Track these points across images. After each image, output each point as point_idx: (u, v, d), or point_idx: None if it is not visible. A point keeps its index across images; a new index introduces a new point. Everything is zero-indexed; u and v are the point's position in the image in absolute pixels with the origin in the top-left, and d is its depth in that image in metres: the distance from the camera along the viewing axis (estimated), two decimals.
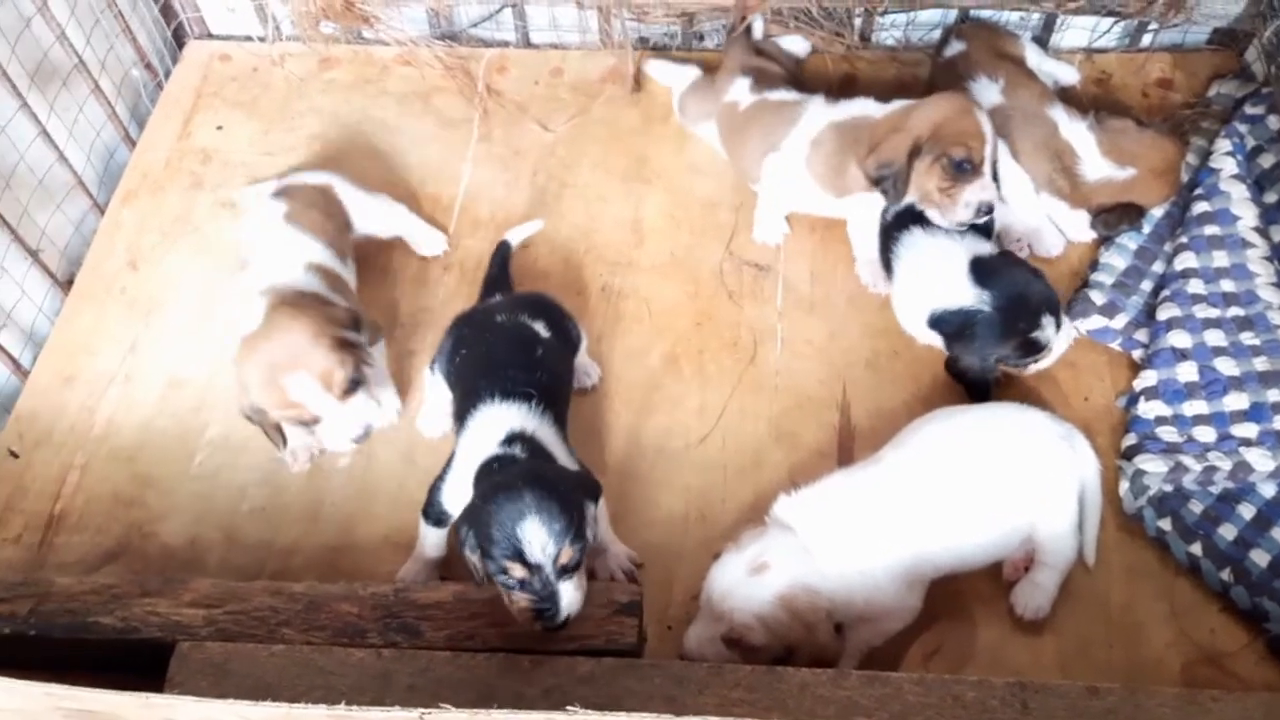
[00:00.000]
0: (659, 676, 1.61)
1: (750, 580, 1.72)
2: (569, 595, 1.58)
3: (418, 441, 2.12)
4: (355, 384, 1.85)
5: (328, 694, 1.58)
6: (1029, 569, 1.86)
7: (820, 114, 2.24)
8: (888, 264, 2.21)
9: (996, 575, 1.89)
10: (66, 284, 2.40)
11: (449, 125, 2.63)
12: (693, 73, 2.58)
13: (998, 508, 1.81)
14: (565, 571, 1.57)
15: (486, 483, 1.66)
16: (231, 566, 1.97)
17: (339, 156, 2.55)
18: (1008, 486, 1.81)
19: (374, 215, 2.31)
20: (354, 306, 2.03)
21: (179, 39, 2.83)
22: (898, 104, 2.16)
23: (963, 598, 1.87)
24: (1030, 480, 1.82)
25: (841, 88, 2.61)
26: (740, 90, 2.40)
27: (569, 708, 1.31)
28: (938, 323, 2.07)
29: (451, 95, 2.68)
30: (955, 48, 2.49)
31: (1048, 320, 2.00)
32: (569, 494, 1.59)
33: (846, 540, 1.76)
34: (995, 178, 2.10)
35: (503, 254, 2.28)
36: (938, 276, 2.07)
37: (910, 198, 2.11)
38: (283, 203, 2.17)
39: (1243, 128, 2.37)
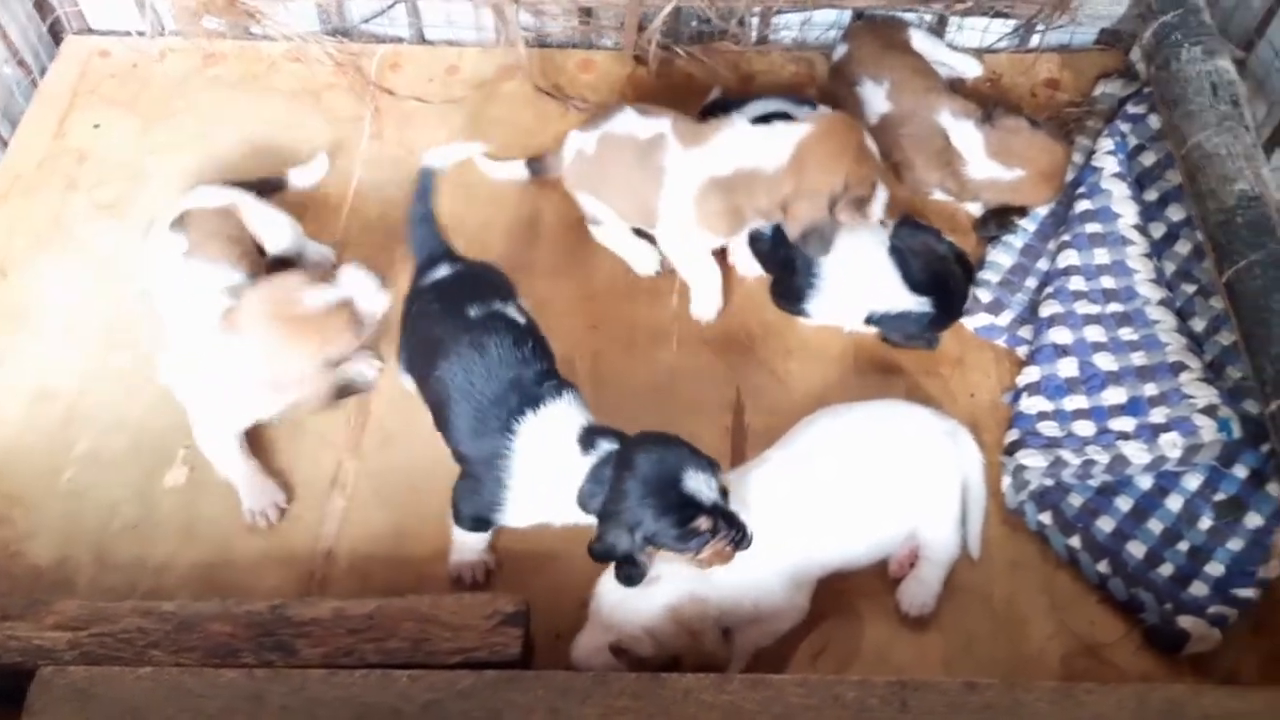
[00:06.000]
0: (541, 688, 1.59)
1: (639, 591, 1.70)
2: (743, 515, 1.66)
3: (298, 454, 2.06)
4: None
5: (196, 717, 1.54)
6: (914, 565, 1.88)
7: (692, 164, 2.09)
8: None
9: (883, 572, 1.90)
10: None
11: (339, 123, 2.55)
12: (520, 170, 2.41)
13: (882, 504, 1.82)
14: (725, 494, 1.65)
15: (618, 474, 1.66)
16: (102, 587, 1.89)
17: (222, 156, 2.46)
18: (892, 483, 1.82)
19: (280, 234, 2.16)
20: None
21: (55, 34, 2.71)
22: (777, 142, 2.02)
23: (849, 595, 1.88)
24: (914, 476, 1.84)
25: (741, 86, 2.61)
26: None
27: None
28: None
29: (342, 92, 2.61)
30: (841, 50, 2.49)
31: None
32: (679, 439, 1.68)
33: None
34: None
35: (425, 185, 2.06)
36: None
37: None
38: (182, 236, 2.01)
39: (1125, 126, 2.42)
